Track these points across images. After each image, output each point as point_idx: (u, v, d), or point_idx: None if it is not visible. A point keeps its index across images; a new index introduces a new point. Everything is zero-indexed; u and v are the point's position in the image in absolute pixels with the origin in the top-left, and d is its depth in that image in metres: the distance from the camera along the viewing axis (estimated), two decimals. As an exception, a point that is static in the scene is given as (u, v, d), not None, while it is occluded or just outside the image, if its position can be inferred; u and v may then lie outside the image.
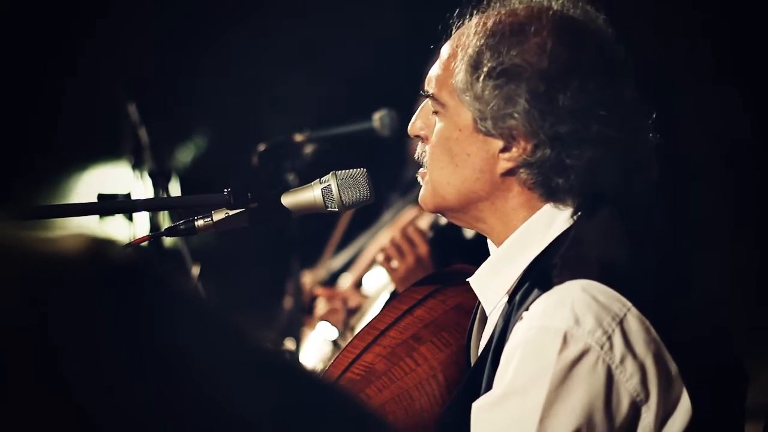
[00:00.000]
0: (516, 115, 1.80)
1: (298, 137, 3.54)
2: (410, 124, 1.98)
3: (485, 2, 1.93)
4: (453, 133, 1.88)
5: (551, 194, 1.83)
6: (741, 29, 4.74)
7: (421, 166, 1.96)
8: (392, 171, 4.13)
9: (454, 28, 1.95)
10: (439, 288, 2.09)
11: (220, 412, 0.89)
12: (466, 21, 1.93)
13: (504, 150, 1.84)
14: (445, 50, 1.92)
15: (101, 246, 0.91)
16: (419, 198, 1.97)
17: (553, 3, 1.89)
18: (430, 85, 1.93)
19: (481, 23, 1.87)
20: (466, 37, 1.87)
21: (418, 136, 1.97)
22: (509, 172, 1.85)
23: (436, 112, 1.92)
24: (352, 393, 1.73)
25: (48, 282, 0.87)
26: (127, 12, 5.08)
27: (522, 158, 1.82)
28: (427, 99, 1.95)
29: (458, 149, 1.87)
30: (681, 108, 4.74)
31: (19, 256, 0.88)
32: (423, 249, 3.12)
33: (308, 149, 3.57)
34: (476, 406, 1.75)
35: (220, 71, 5.36)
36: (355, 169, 2.03)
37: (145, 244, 2.15)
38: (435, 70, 1.93)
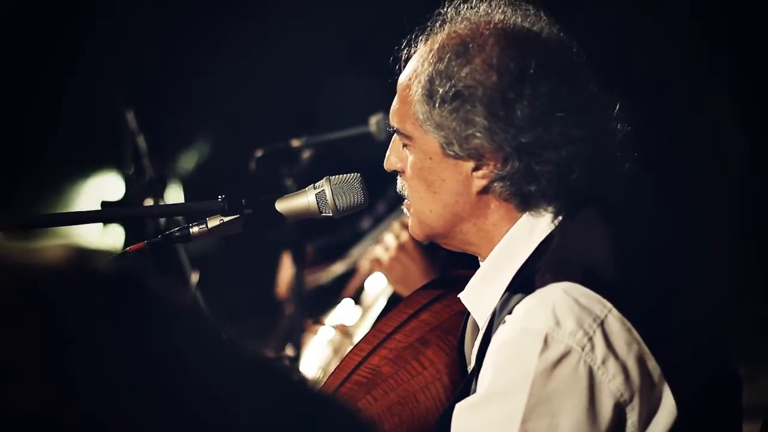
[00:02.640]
0: (478, 134, 1.82)
1: (295, 142, 3.54)
2: (385, 160, 2.00)
3: (429, 26, 1.94)
4: (425, 163, 1.90)
5: (526, 202, 1.85)
6: (741, 29, 4.73)
7: (405, 199, 1.98)
8: (390, 175, 4.12)
9: (405, 57, 1.96)
10: (444, 292, 2.10)
11: (202, 422, 0.89)
12: (417, 47, 1.94)
13: (476, 169, 1.86)
14: (401, 82, 1.94)
15: (85, 256, 0.91)
16: (410, 230, 2.00)
17: (495, 14, 1.90)
18: (393, 119, 1.95)
19: (428, 49, 1.89)
20: (418, 66, 1.89)
21: (395, 171, 1.98)
22: (485, 190, 1.86)
23: (405, 145, 1.94)
24: (346, 403, 1.73)
25: (32, 291, 0.87)
26: (126, 18, 5.09)
27: (494, 173, 1.84)
28: (395, 135, 1.97)
29: (433, 177, 1.89)
30: (681, 107, 4.74)
31: (3, 266, 0.88)
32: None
33: (306, 154, 3.57)
34: (459, 406, 1.76)
35: (216, 77, 5.36)
36: (349, 174, 2.03)
37: (141, 251, 2.15)
38: (395, 104, 1.95)
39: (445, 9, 1.94)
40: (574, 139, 1.81)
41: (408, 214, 1.98)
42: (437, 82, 1.85)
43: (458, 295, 1.95)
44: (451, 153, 1.86)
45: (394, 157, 1.98)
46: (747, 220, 4.93)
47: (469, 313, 1.98)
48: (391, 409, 1.94)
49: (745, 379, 1.91)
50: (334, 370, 1.99)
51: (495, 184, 1.85)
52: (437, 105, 1.84)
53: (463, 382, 1.91)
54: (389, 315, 2.05)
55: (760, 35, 4.67)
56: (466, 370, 1.98)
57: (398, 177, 1.99)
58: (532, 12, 1.91)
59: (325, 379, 2.03)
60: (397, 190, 1.99)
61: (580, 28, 1.95)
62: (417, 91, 1.87)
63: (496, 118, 1.81)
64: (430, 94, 1.85)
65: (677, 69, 4.85)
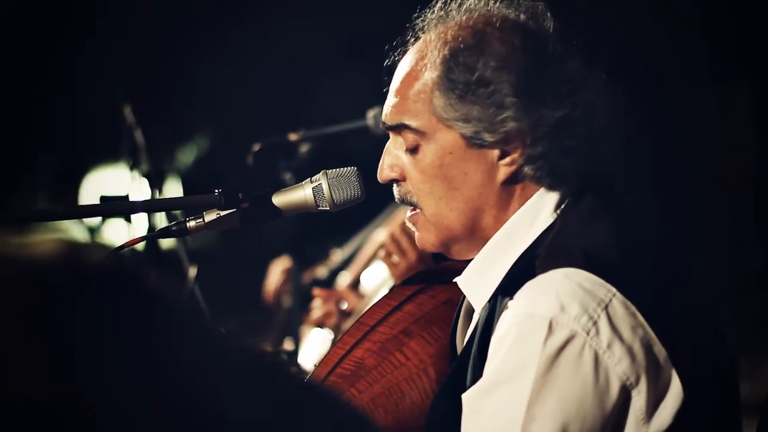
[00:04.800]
0: (509, 117, 1.80)
1: (293, 136, 3.54)
2: (379, 172, 1.95)
3: (423, 23, 1.92)
4: (444, 159, 1.86)
5: (559, 178, 1.83)
6: (741, 29, 4.73)
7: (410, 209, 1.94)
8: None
9: (399, 55, 1.94)
10: (428, 284, 2.09)
11: (198, 416, 0.88)
12: (411, 44, 1.92)
13: (502, 156, 1.84)
14: (403, 79, 1.90)
15: (80, 250, 0.91)
16: (418, 242, 1.95)
17: (494, 8, 1.89)
18: (396, 119, 1.90)
19: (432, 47, 1.86)
20: (427, 61, 1.86)
21: (392, 181, 1.94)
22: (510, 177, 1.85)
23: (414, 149, 1.88)
24: (338, 394, 1.73)
25: (23, 285, 0.86)
26: (125, 15, 5.09)
27: (522, 157, 1.83)
28: (389, 142, 1.93)
29: (454, 172, 1.86)
30: (681, 108, 4.73)
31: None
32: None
33: (304, 148, 3.57)
34: (466, 396, 1.77)
35: (214, 71, 5.36)
36: (345, 168, 2.03)
37: (139, 245, 2.15)
38: (400, 104, 1.89)
39: (438, 6, 1.92)
40: (594, 116, 1.82)
41: (414, 228, 1.95)
42: (456, 73, 1.82)
43: (454, 279, 1.93)
44: (477, 143, 1.83)
45: (388, 167, 1.93)
46: (749, 214, 4.93)
47: (461, 303, 1.98)
48: (375, 400, 1.94)
49: (746, 371, 1.91)
50: (318, 363, 2.00)
51: (524, 168, 1.83)
52: (463, 95, 1.82)
53: (453, 367, 1.90)
54: (373, 307, 2.05)
55: (762, 33, 4.67)
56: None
57: (395, 186, 1.95)
58: (528, 7, 1.90)
59: (309, 374, 2.03)
60: (396, 200, 1.95)
61: (580, 25, 1.94)
62: (430, 85, 1.85)
63: (524, 98, 1.80)
64: (451, 87, 1.83)
65: (675, 68, 4.85)
